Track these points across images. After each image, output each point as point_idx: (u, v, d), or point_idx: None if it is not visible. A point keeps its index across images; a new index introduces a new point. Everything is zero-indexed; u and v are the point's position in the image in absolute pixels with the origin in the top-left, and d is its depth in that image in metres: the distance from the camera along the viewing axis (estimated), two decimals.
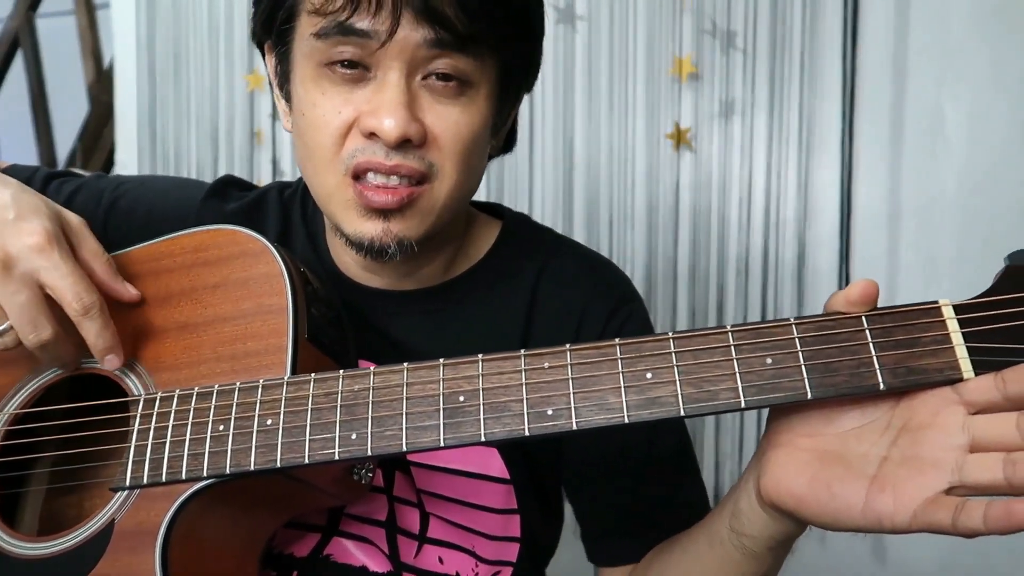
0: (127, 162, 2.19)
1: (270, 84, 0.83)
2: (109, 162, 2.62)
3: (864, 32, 1.61)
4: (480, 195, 1.70)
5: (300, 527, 0.82)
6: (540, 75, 0.84)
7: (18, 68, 2.91)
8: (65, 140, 2.82)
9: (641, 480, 0.85)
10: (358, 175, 0.73)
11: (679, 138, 1.69)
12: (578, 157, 1.75)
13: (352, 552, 0.82)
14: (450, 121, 0.73)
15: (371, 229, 0.73)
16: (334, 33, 0.70)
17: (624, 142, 1.72)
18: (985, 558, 1.53)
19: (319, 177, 0.75)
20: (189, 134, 2.11)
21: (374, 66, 0.71)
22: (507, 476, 0.83)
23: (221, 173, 2.04)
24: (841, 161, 1.61)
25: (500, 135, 0.84)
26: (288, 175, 2.03)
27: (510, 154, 0.91)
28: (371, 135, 0.71)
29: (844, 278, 1.63)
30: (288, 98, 0.79)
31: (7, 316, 0.67)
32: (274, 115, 2.02)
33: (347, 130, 0.72)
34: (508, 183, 1.79)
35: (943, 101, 1.58)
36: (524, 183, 1.79)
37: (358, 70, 0.71)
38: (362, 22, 0.69)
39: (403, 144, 0.71)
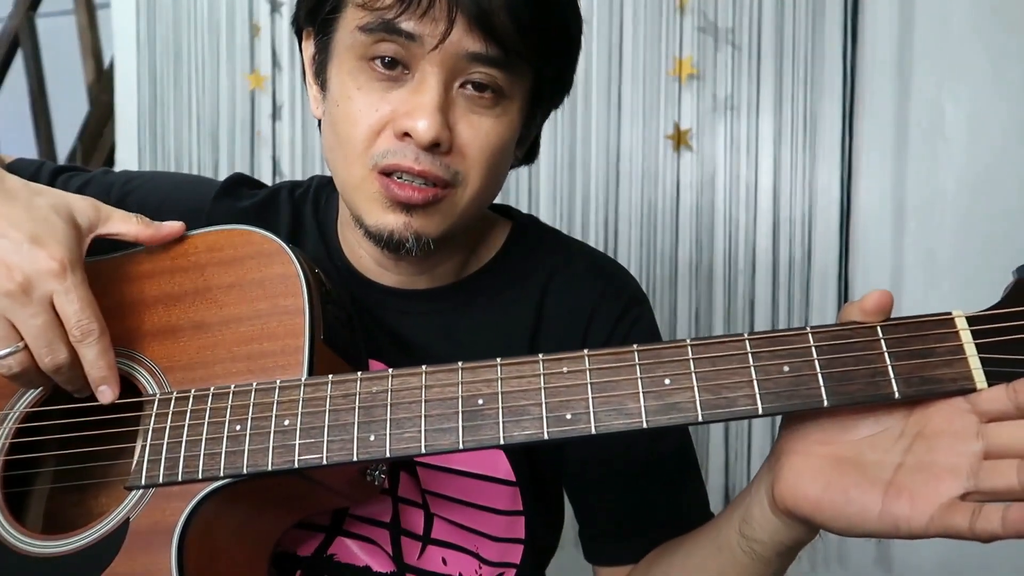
0: (127, 162, 2.19)
1: (302, 69, 0.84)
2: (109, 162, 2.61)
3: (865, 32, 1.61)
4: None
5: (304, 526, 0.82)
6: None
7: (18, 68, 2.90)
8: (65, 140, 2.82)
9: (642, 482, 0.86)
10: (385, 172, 0.74)
11: (679, 139, 1.69)
12: (577, 158, 1.75)
13: (356, 552, 0.82)
14: (481, 131, 0.74)
15: (393, 221, 0.74)
16: (379, 30, 0.70)
17: (623, 143, 1.73)
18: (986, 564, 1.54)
19: (347, 168, 0.76)
20: (189, 134, 2.12)
21: (414, 67, 0.72)
22: (513, 478, 0.83)
23: (221, 173, 2.05)
24: (841, 161, 1.62)
25: (523, 147, 0.85)
26: (288, 175, 2.03)
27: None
28: (404, 136, 0.72)
29: (844, 277, 1.63)
30: (323, 86, 0.79)
31: (21, 338, 0.67)
32: (274, 115, 2.02)
33: (381, 128, 0.73)
34: (507, 183, 1.79)
35: (943, 101, 1.58)
36: (524, 183, 1.80)
37: (397, 69, 0.72)
38: (409, 23, 0.69)
39: (432, 148, 0.72)
